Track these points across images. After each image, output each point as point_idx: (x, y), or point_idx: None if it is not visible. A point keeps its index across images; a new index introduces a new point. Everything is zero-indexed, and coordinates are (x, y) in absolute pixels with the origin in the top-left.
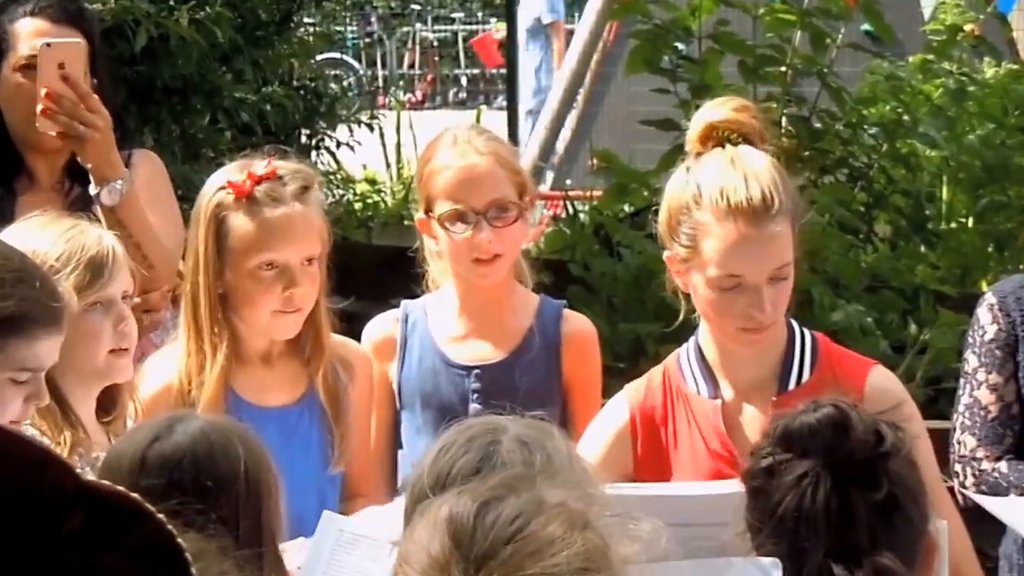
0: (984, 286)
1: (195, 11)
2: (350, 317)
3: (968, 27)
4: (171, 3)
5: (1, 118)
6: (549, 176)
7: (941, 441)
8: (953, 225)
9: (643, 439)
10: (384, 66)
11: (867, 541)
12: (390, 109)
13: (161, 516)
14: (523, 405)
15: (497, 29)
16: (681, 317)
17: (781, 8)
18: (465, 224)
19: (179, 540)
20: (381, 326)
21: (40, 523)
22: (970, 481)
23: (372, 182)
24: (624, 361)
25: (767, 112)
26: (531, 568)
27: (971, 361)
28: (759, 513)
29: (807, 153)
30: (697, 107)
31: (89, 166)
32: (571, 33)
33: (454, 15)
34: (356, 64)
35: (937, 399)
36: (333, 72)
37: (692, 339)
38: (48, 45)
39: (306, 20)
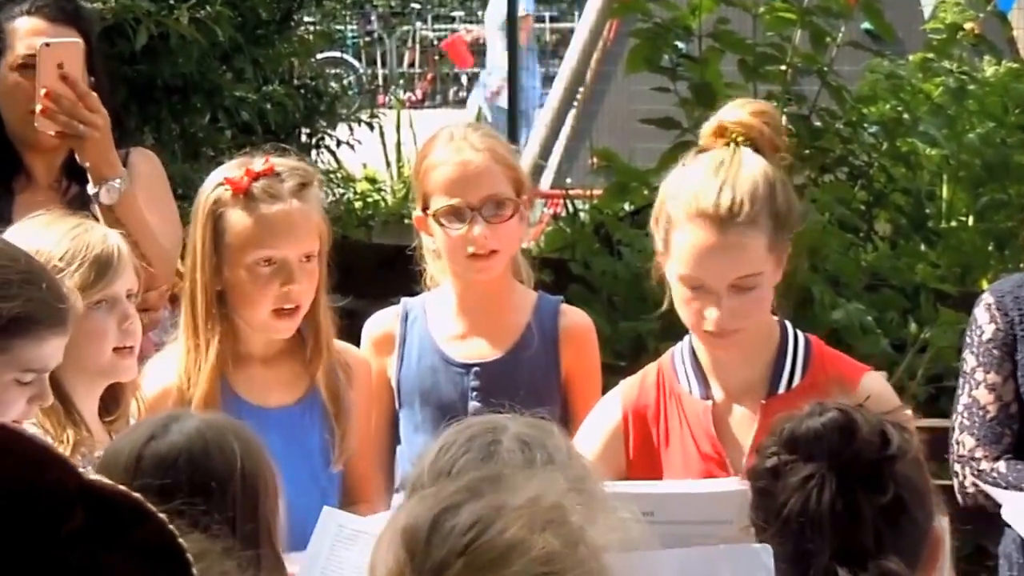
0: (985, 284)
1: (195, 10)
2: (350, 315)
3: (968, 26)
4: (171, 2)
5: None
6: (549, 175)
7: (942, 439)
8: (953, 224)
9: (635, 438)
10: (384, 65)
11: (873, 544)
12: (390, 108)
13: (162, 516)
14: (523, 402)
15: (468, 30)
16: (664, 307)
17: (781, 7)
18: (461, 220)
19: (180, 540)
20: (381, 322)
21: (41, 522)
22: (969, 481)
23: (372, 181)
24: (625, 359)
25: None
26: None
27: (969, 361)
28: (764, 513)
29: (807, 152)
30: (697, 106)
31: (87, 165)
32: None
33: (454, 14)
34: (356, 63)
35: (938, 397)
36: (333, 71)
37: (686, 338)
38: (47, 45)
39: (306, 19)
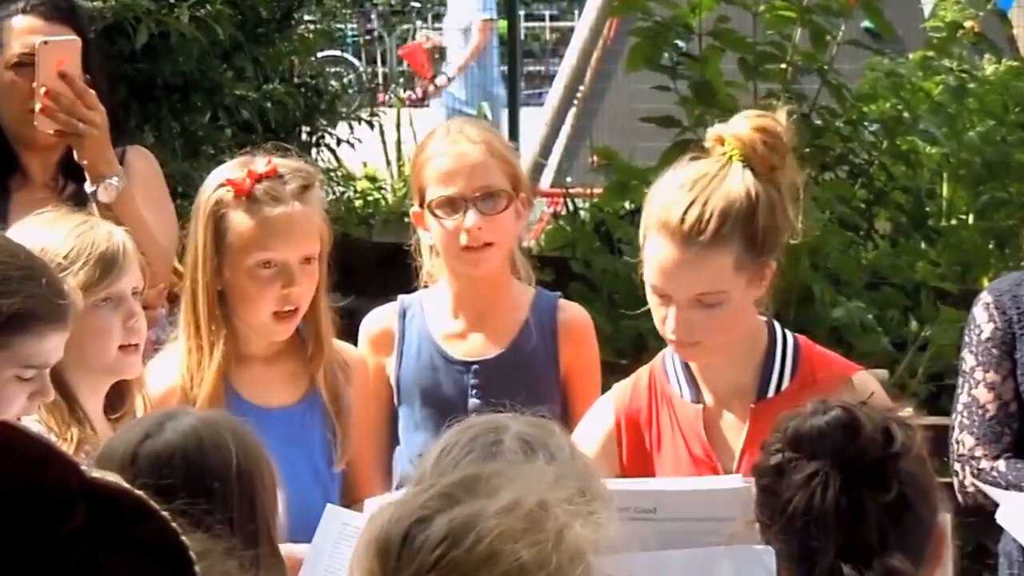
0: (985, 283)
1: (196, 8)
2: (351, 314)
3: (968, 24)
4: (172, 0)
5: None
6: (549, 173)
7: (942, 438)
8: (953, 222)
9: (628, 442)
10: (384, 63)
11: (877, 541)
12: (390, 106)
13: (165, 514)
14: (522, 399)
15: (427, 38)
16: (641, 314)
17: (781, 5)
18: (455, 211)
19: (183, 538)
20: (379, 319)
21: (42, 521)
22: (969, 480)
23: (373, 179)
24: (626, 357)
25: (767, 109)
26: None
27: (968, 360)
28: (768, 510)
29: (807, 150)
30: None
31: (85, 163)
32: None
33: None
34: (356, 61)
35: (939, 395)
36: (333, 69)
37: None
38: (46, 43)
39: (306, 17)
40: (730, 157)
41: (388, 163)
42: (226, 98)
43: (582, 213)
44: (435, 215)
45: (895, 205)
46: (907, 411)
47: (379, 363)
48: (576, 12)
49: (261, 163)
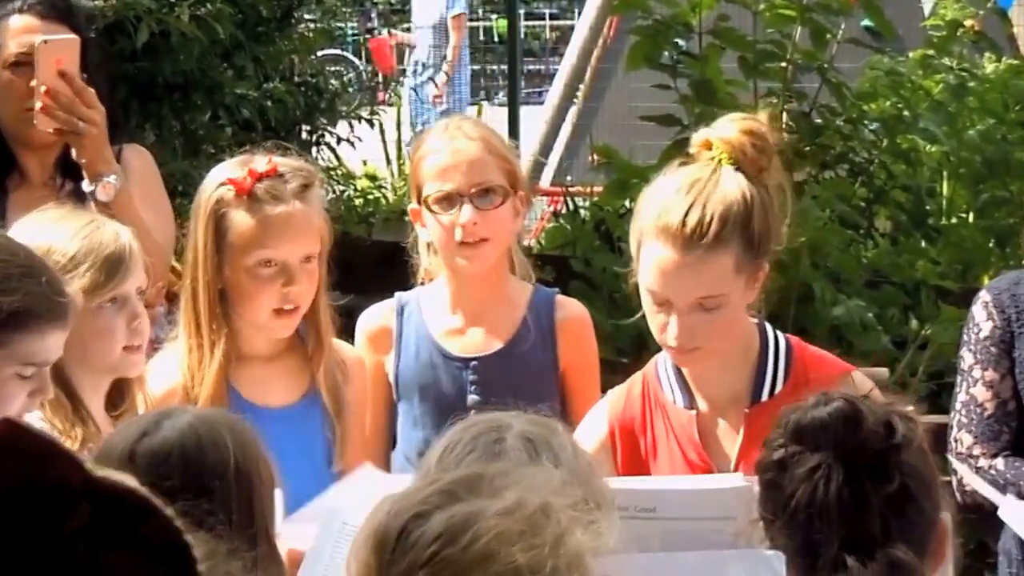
0: (985, 281)
1: (196, 7)
2: (351, 312)
3: (968, 23)
4: None
5: None
6: (549, 172)
7: (943, 436)
8: (954, 220)
9: (623, 450)
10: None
11: (880, 533)
12: (390, 105)
13: (169, 512)
14: (521, 396)
15: (391, 34)
16: (639, 315)
17: (781, 4)
18: (451, 206)
19: (186, 537)
20: (376, 316)
21: (44, 519)
22: (967, 478)
23: (373, 178)
24: (627, 356)
25: (767, 108)
26: None
27: (967, 359)
28: (772, 506)
29: (808, 149)
30: (698, 103)
31: (84, 161)
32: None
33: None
34: (356, 60)
35: (939, 394)
36: (333, 68)
37: None
38: (45, 42)
39: (307, 16)
40: (719, 161)
41: (388, 162)
42: (226, 97)
43: (582, 212)
44: (431, 210)
45: (895, 204)
46: (908, 407)
47: (377, 361)
48: (576, 10)
49: (262, 162)
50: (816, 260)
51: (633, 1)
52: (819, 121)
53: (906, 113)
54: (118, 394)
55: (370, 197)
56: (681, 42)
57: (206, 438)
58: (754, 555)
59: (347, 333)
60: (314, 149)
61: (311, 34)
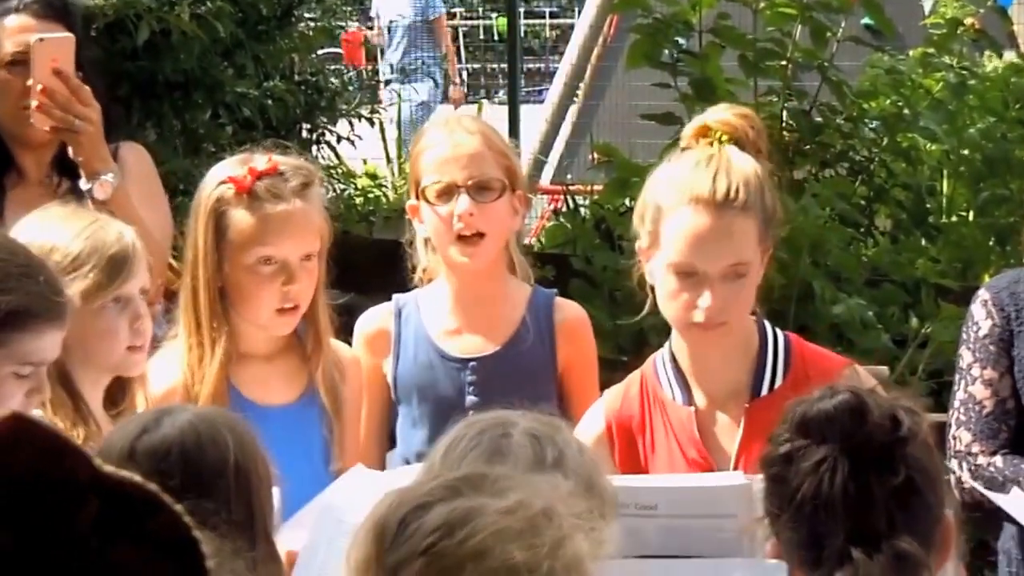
0: (985, 279)
1: (197, 6)
2: (351, 311)
3: (968, 21)
4: None
5: None
6: (549, 171)
7: (942, 434)
8: (954, 219)
9: (620, 449)
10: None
11: (886, 526)
12: (391, 104)
13: (178, 508)
14: (519, 397)
15: (361, 30)
16: (646, 310)
17: (782, 2)
18: (449, 198)
19: (195, 532)
20: (374, 319)
21: (53, 514)
22: (966, 476)
23: (373, 177)
24: (627, 354)
25: (767, 106)
26: None
27: (966, 357)
28: (778, 500)
29: (808, 147)
30: (698, 101)
31: (80, 160)
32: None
33: (455, 10)
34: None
35: (939, 392)
36: (334, 67)
37: (666, 344)
38: (41, 40)
39: (307, 15)
40: (721, 141)
41: (388, 161)
42: (227, 95)
43: (583, 210)
44: (429, 202)
45: (895, 202)
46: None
47: (375, 364)
48: (576, 9)
49: (261, 160)
50: (816, 258)
51: (633, 0)
52: (819, 119)
53: (906, 111)
54: (118, 392)
55: (370, 196)
56: (681, 40)
57: (206, 436)
58: (757, 565)
59: (347, 332)
60: (314, 148)
61: (311, 33)
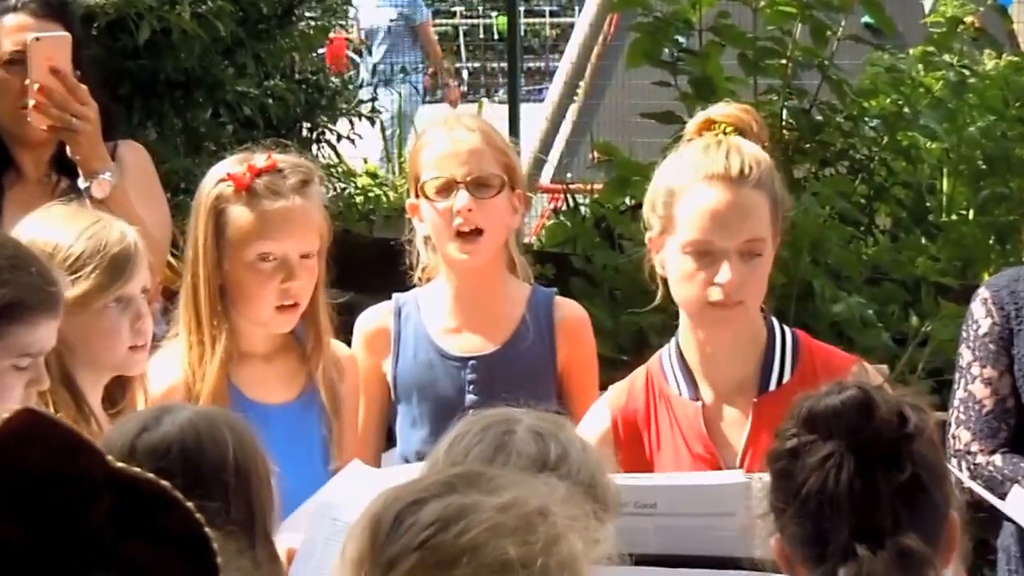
0: (985, 278)
1: (197, 5)
2: (351, 310)
3: (968, 19)
4: None
5: None
6: (549, 169)
7: (942, 433)
8: (954, 217)
9: (625, 444)
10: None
11: (891, 522)
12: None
13: (189, 504)
14: (519, 395)
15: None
16: (657, 300)
17: (782, 0)
18: (448, 194)
19: (207, 529)
20: (373, 318)
21: (66, 509)
22: (965, 475)
23: (373, 175)
24: (627, 353)
25: (768, 104)
26: None
27: (965, 355)
28: (783, 495)
29: (808, 145)
30: (698, 100)
31: (78, 158)
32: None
33: (455, 8)
34: (357, 58)
35: (939, 391)
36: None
37: (673, 340)
38: (37, 39)
39: (307, 14)
40: (726, 132)
41: (388, 159)
42: (228, 94)
43: (583, 209)
44: (428, 198)
45: (895, 200)
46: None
47: (374, 363)
48: (576, 8)
49: (260, 158)
50: (816, 257)
51: None
52: (819, 118)
53: (906, 110)
54: (116, 391)
55: (371, 194)
56: (681, 39)
57: (205, 434)
58: None
59: (347, 331)
60: (315, 146)
61: (312, 31)
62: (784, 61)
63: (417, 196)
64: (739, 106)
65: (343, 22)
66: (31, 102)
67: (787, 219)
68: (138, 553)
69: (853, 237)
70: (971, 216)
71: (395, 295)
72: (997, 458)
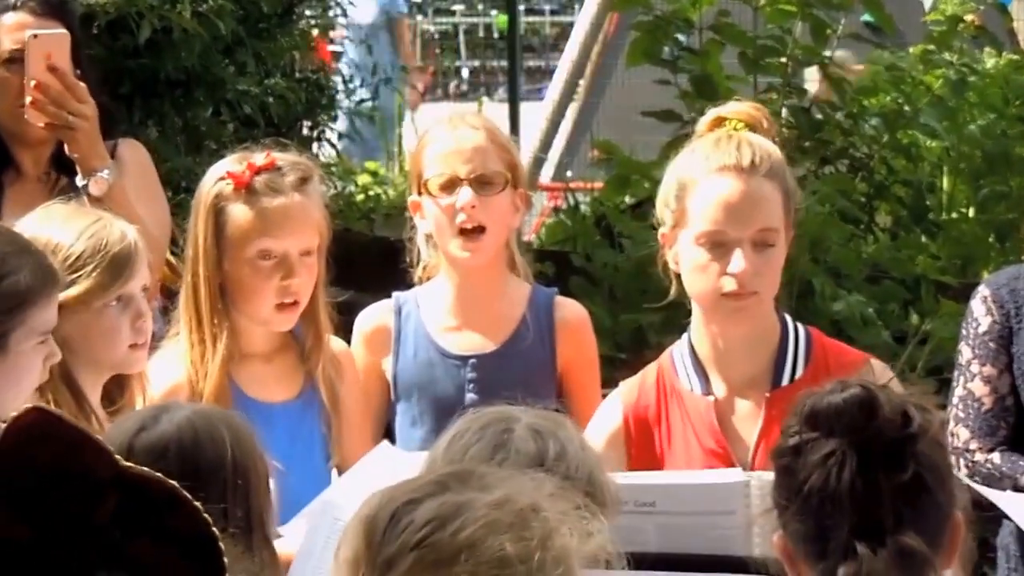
0: (985, 276)
1: (198, 3)
2: (352, 308)
3: (969, 17)
4: None
5: None
6: (549, 168)
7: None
8: (954, 215)
9: (636, 440)
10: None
11: (892, 521)
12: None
13: (196, 503)
14: (518, 395)
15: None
16: (671, 295)
17: None
18: (452, 190)
19: (213, 528)
20: (373, 317)
21: (73, 508)
22: (964, 473)
23: (374, 174)
24: (626, 351)
25: (768, 103)
26: None
27: (965, 353)
28: (786, 491)
29: (808, 144)
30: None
31: (76, 156)
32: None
33: (455, 7)
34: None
35: (939, 389)
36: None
37: (685, 335)
38: (35, 36)
39: (307, 12)
40: (736, 128)
41: (389, 158)
42: (228, 93)
43: (583, 207)
44: (431, 194)
45: (895, 199)
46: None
47: (373, 361)
48: (576, 7)
49: (259, 156)
50: (816, 255)
51: None
52: (819, 116)
53: (906, 108)
54: (114, 390)
55: (371, 193)
56: (681, 38)
57: (203, 433)
58: None
59: (347, 329)
60: (315, 145)
61: (314, 29)
62: (784, 59)
63: (420, 193)
64: (750, 103)
65: (343, 20)
66: (28, 99)
67: (799, 212)
68: (144, 552)
69: (853, 235)
70: (971, 214)
71: (395, 293)
72: (996, 456)
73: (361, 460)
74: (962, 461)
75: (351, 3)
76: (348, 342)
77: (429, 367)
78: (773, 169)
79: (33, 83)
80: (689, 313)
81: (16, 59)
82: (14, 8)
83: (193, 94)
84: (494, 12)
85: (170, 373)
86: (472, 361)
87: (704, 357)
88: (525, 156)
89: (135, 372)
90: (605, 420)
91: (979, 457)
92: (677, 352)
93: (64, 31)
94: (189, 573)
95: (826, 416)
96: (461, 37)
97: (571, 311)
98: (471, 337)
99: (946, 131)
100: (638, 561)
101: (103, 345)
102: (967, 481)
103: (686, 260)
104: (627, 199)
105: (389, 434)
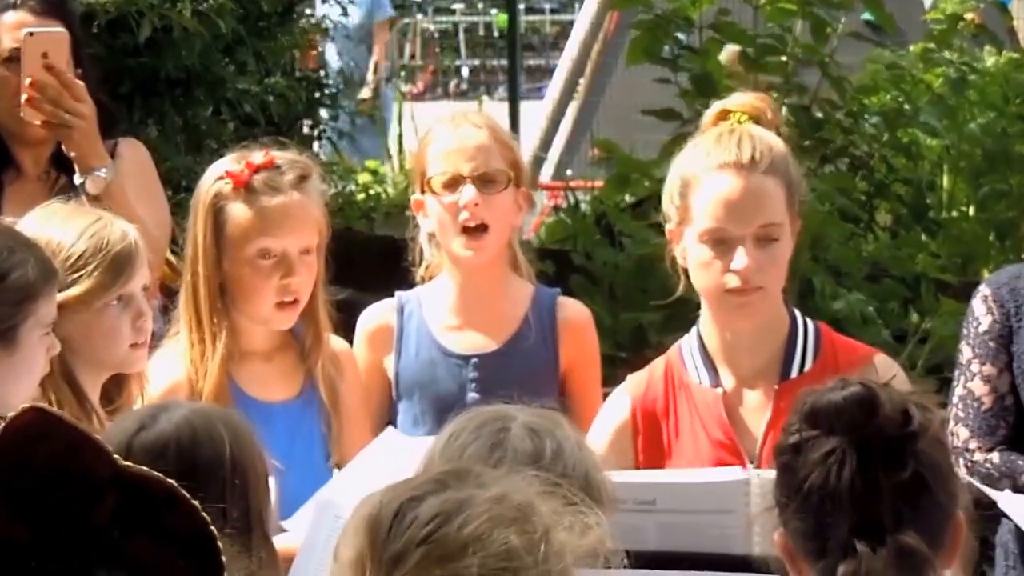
0: (985, 275)
1: (198, 2)
2: (352, 307)
3: (969, 16)
4: None
5: None
6: (549, 167)
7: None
8: (954, 214)
9: (644, 433)
10: (385, 57)
11: (891, 520)
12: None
13: (195, 503)
14: (520, 394)
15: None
16: (679, 291)
17: None
18: (455, 189)
19: (211, 528)
20: (376, 316)
21: (72, 507)
22: (963, 472)
23: (374, 173)
24: (626, 350)
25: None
26: (439, 572)
27: (965, 352)
28: (786, 489)
29: (808, 142)
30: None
31: (74, 155)
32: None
33: (454, 6)
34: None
35: (939, 388)
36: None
37: (694, 328)
38: (31, 34)
39: (307, 11)
40: (740, 121)
41: (389, 157)
42: (228, 92)
43: (583, 206)
44: (435, 192)
45: (896, 197)
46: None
47: (375, 360)
48: (576, 5)
49: (258, 155)
50: (816, 253)
51: None
52: (819, 115)
53: (907, 107)
54: (113, 389)
55: (371, 192)
56: (682, 36)
57: (202, 432)
58: None
59: (347, 328)
60: (315, 144)
61: (317, 28)
62: (784, 58)
63: (423, 192)
64: (754, 95)
65: (344, 19)
66: (24, 97)
67: (804, 203)
68: (142, 551)
69: (853, 234)
70: (971, 213)
71: (398, 292)
72: (995, 455)
73: (367, 446)
74: (961, 460)
75: (352, 2)
76: (348, 341)
77: (431, 366)
78: (775, 163)
79: (29, 81)
80: (695, 309)
81: (16, 58)
82: (14, 7)
83: (193, 93)
84: (494, 11)
85: (170, 372)
86: (474, 360)
87: (712, 349)
88: (525, 155)
89: (136, 371)
90: (613, 413)
91: (978, 457)
92: (686, 345)
93: (61, 29)
94: (188, 572)
95: (826, 414)
96: (461, 36)
97: (574, 312)
98: (473, 336)
99: (946, 129)
100: (638, 559)
101: (104, 345)
102: (966, 478)
103: (691, 257)
104: (627, 198)
105: None
